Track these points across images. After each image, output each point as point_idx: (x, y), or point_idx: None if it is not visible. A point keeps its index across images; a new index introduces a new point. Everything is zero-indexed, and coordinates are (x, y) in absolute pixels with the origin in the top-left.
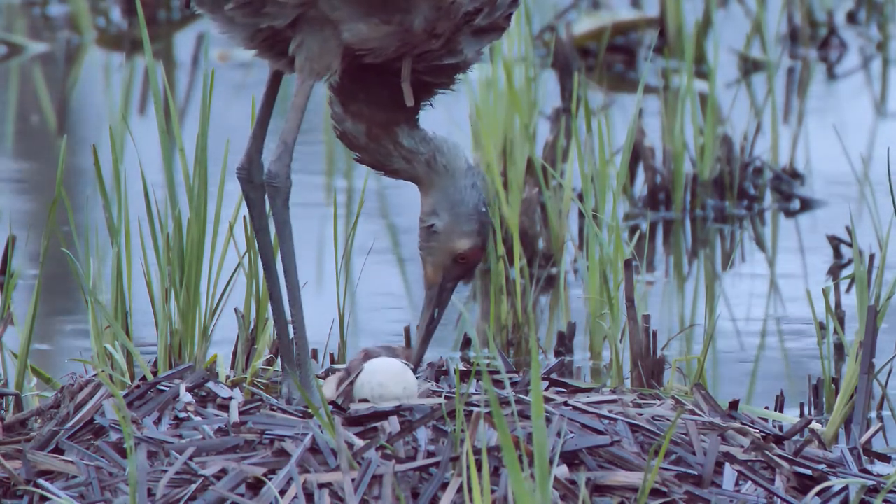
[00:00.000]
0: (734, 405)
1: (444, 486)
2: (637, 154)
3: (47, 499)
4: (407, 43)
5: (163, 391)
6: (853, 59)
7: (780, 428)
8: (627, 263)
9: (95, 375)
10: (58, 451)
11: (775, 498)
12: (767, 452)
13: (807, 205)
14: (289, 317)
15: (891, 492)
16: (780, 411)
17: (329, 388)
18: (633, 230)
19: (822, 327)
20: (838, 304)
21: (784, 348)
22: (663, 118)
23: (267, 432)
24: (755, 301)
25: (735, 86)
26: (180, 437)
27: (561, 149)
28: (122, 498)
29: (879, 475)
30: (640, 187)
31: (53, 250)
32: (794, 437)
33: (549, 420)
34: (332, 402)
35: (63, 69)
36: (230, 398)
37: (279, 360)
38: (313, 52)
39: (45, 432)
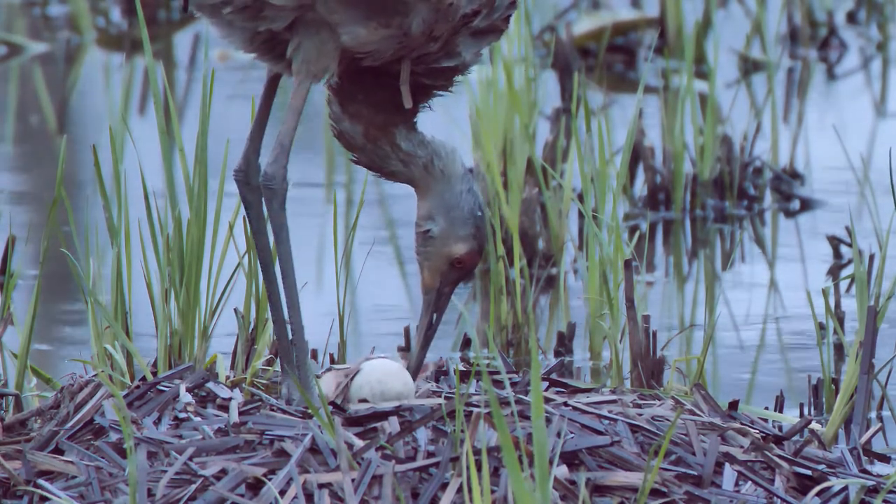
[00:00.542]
0: (734, 405)
1: (444, 486)
2: (637, 154)
3: (47, 499)
4: (405, 46)
5: (163, 391)
6: (853, 59)
7: (780, 428)
8: (627, 263)
9: (95, 375)
10: (58, 451)
11: (775, 498)
12: (767, 452)
13: (807, 205)
14: (287, 318)
15: (891, 492)
16: (780, 411)
17: (326, 385)
18: (632, 230)
19: (822, 327)
20: (838, 304)
21: (784, 348)
22: (663, 118)
23: (267, 432)
24: (755, 301)
25: (735, 86)
26: (180, 437)
27: (561, 149)
28: (122, 498)
29: (879, 475)
30: (640, 187)
31: (53, 250)
32: (794, 438)
33: (549, 420)
34: (332, 403)
35: (63, 69)
36: (230, 398)
37: (279, 360)
38: (310, 54)
39: (45, 432)
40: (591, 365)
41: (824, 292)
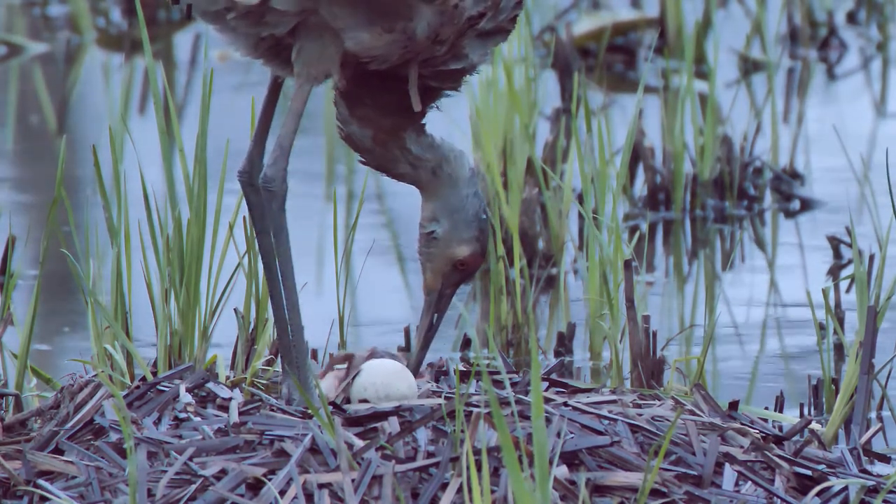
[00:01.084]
0: (734, 405)
1: (444, 486)
2: (637, 154)
3: (47, 499)
4: (410, 50)
5: (163, 391)
6: (853, 59)
7: (780, 428)
8: (627, 264)
9: (95, 376)
10: (58, 451)
11: (775, 498)
12: (767, 453)
13: (807, 205)
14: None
15: (891, 492)
16: (780, 411)
17: (325, 384)
18: (632, 230)
19: (822, 327)
20: (838, 304)
21: (784, 348)
22: (663, 118)
23: (267, 433)
24: (755, 301)
25: (735, 86)
26: (180, 437)
27: (561, 149)
28: (122, 498)
29: (879, 475)
30: (640, 187)
31: (53, 250)
32: (794, 438)
33: (548, 420)
34: (332, 403)
35: (63, 69)
36: (230, 398)
37: (279, 360)
38: (311, 57)
39: (45, 432)
40: (591, 365)
41: (824, 292)
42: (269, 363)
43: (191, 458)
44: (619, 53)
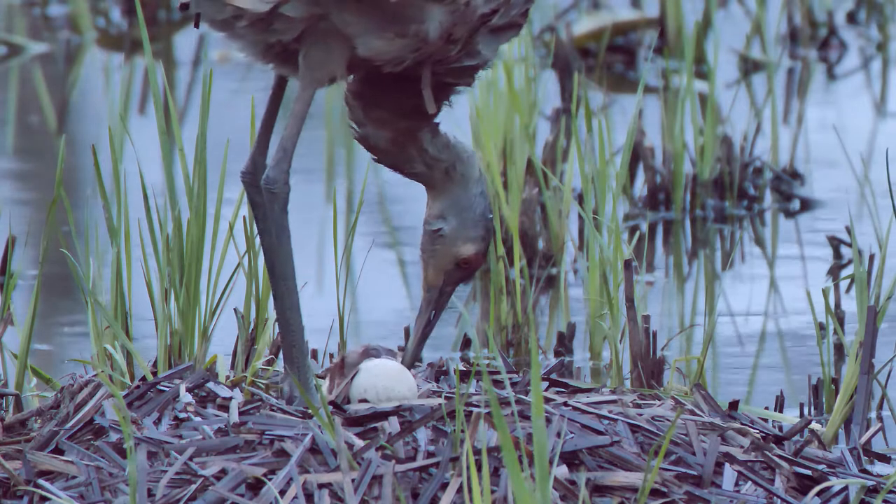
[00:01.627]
0: (734, 405)
1: (444, 486)
2: (637, 154)
3: (47, 499)
4: (424, 52)
5: (163, 391)
6: (853, 59)
7: (780, 428)
8: (627, 264)
9: (95, 376)
10: (58, 451)
11: (775, 498)
12: (767, 453)
13: (807, 205)
14: (288, 318)
15: (891, 492)
16: (780, 411)
17: (324, 383)
18: (632, 230)
19: (822, 327)
20: (838, 305)
21: (784, 348)
22: (663, 118)
23: (267, 432)
24: (755, 301)
25: (735, 86)
26: (180, 437)
27: (561, 149)
28: (122, 498)
29: (879, 475)
30: (640, 187)
31: (53, 250)
32: (794, 438)
33: (549, 420)
34: (332, 403)
35: (63, 69)
36: (230, 398)
37: (280, 359)
38: (315, 61)
39: (45, 432)
40: (591, 365)
41: (824, 292)
42: (270, 363)
43: (191, 458)
44: (619, 53)
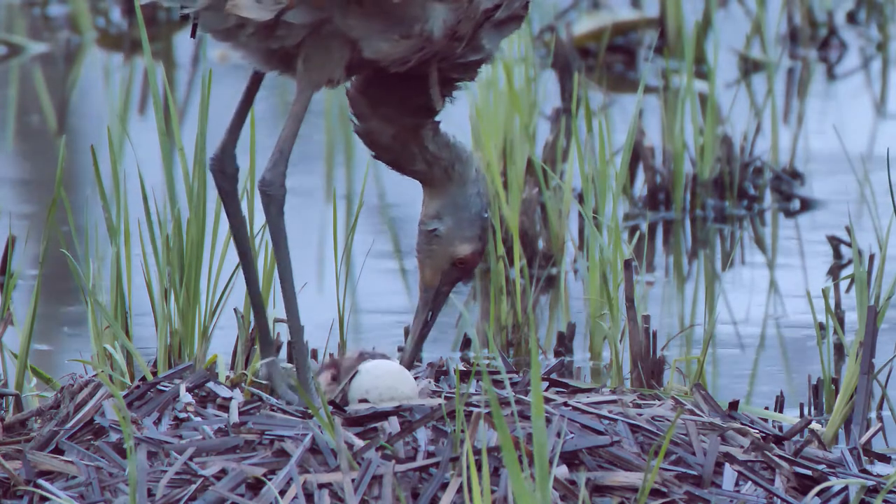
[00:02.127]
0: (734, 405)
1: (444, 486)
2: (637, 154)
3: (47, 499)
4: (429, 51)
5: (163, 391)
6: (853, 59)
7: (780, 428)
8: (627, 264)
9: (95, 375)
10: (58, 451)
11: (775, 498)
12: (767, 453)
13: (807, 205)
14: (287, 319)
15: (891, 492)
16: (780, 411)
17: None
18: (632, 230)
19: (822, 327)
20: (838, 304)
21: (784, 348)
22: (663, 118)
23: (267, 432)
24: (755, 301)
25: (735, 86)
26: (180, 437)
27: (561, 149)
28: (122, 498)
29: (879, 475)
30: (640, 187)
31: (53, 250)
32: (794, 438)
33: (549, 420)
34: (332, 402)
35: (63, 69)
36: (230, 398)
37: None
38: (315, 63)
39: (45, 432)
40: (591, 365)
41: (824, 292)
42: None
43: (191, 458)
44: (619, 53)
